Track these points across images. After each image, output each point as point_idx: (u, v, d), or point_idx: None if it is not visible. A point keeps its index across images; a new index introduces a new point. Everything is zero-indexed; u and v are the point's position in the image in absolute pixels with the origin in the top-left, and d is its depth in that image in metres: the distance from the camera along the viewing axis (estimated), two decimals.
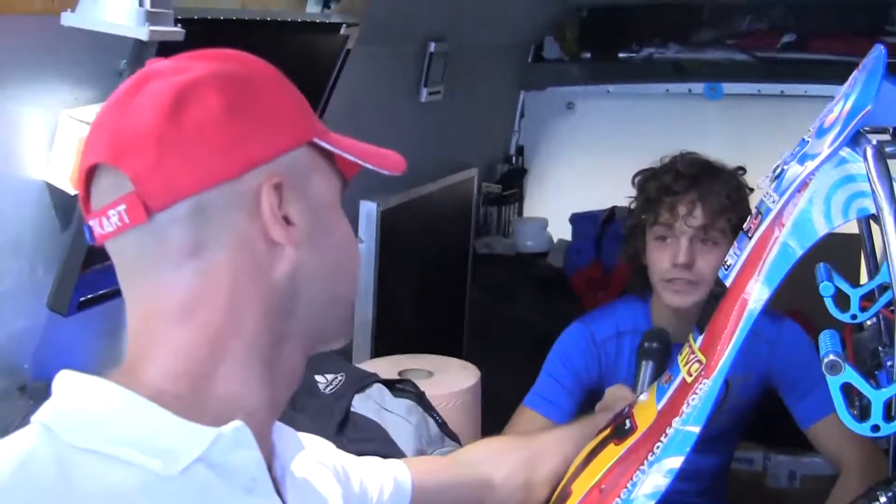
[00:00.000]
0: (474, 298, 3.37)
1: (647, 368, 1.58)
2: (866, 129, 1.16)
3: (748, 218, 1.29)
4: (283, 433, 0.99)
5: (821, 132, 1.21)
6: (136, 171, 0.83)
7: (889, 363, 1.15)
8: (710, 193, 1.99)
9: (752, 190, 2.06)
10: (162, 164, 0.83)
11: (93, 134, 0.89)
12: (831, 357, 1.11)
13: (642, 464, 1.26)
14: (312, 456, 1.08)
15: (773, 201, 1.23)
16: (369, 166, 0.95)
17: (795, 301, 1.82)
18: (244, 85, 0.88)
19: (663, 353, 1.60)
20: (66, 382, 0.86)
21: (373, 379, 1.95)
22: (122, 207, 0.84)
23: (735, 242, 1.30)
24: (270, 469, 0.91)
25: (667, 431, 1.26)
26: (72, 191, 1.57)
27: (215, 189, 0.84)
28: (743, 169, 2.10)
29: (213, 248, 0.86)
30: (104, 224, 0.85)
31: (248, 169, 0.85)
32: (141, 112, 0.84)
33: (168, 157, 0.83)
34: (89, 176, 0.87)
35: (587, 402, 2.10)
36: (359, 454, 1.26)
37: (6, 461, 0.79)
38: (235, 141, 0.85)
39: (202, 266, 0.86)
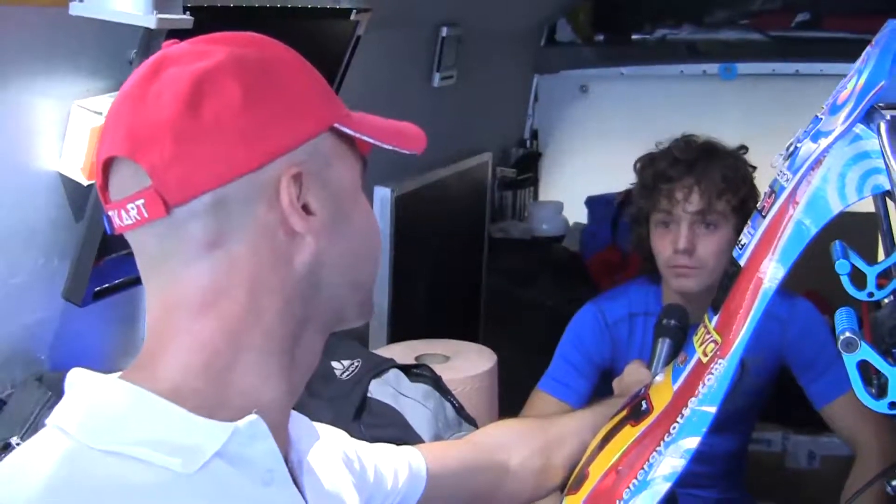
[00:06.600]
0: (490, 283, 3.37)
1: (663, 346, 1.56)
2: (880, 104, 1.14)
3: (762, 197, 1.28)
4: (298, 422, 0.99)
5: (834, 109, 1.19)
6: (153, 165, 0.82)
7: None
8: (706, 177, 1.98)
9: (754, 168, 2.05)
10: (180, 158, 0.81)
11: (109, 125, 0.87)
12: (847, 334, 1.10)
13: (659, 445, 1.25)
14: (326, 445, 1.08)
15: (787, 179, 1.21)
16: (390, 148, 0.94)
17: (811, 282, 1.81)
18: (264, 71, 0.86)
19: (681, 331, 1.58)
20: (79, 382, 0.86)
21: (389, 364, 1.95)
22: (140, 202, 0.82)
23: (749, 221, 1.29)
24: (287, 459, 0.91)
25: (683, 412, 1.25)
26: (85, 181, 1.57)
27: (235, 182, 0.83)
28: (745, 147, 2.09)
29: (234, 240, 0.85)
30: (123, 217, 0.84)
31: (269, 160, 0.84)
32: (157, 103, 0.83)
33: (186, 151, 0.82)
34: (107, 166, 0.86)
35: (602, 382, 2.10)
36: (376, 440, 1.26)
37: (25, 467, 0.79)
38: (256, 132, 0.83)
39: (223, 257, 0.85)
